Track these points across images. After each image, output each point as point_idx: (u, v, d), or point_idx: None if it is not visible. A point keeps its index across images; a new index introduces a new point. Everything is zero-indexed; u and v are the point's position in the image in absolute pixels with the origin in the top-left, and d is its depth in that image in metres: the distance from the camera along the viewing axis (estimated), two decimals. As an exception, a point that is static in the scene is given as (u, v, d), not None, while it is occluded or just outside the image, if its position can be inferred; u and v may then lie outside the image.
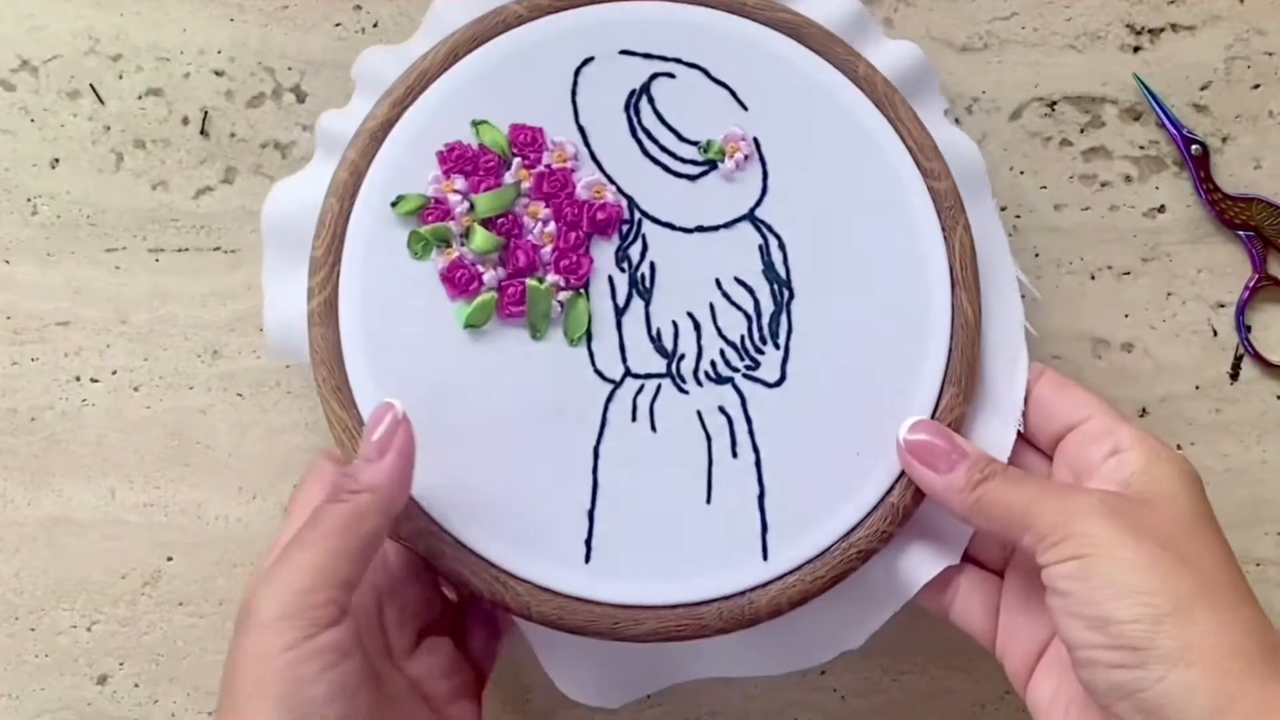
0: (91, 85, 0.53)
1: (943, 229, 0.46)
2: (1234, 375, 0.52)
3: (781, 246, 0.47)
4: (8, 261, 0.53)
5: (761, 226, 0.47)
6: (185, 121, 0.53)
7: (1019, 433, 0.46)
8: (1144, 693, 0.38)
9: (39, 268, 0.53)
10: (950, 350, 0.46)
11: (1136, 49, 0.52)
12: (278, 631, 0.37)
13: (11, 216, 0.53)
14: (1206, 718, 0.37)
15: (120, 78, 0.52)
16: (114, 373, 0.52)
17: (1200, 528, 0.41)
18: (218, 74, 0.52)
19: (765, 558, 0.45)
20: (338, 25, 0.52)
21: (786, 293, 0.46)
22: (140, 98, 0.52)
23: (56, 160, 0.53)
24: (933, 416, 0.46)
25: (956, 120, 0.52)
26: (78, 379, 0.52)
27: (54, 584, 0.53)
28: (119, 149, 0.53)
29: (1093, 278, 0.52)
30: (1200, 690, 0.37)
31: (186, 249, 0.53)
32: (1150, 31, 0.52)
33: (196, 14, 0.52)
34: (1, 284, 0.53)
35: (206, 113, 0.53)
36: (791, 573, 0.45)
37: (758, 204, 0.47)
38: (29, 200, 0.53)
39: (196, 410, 0.52)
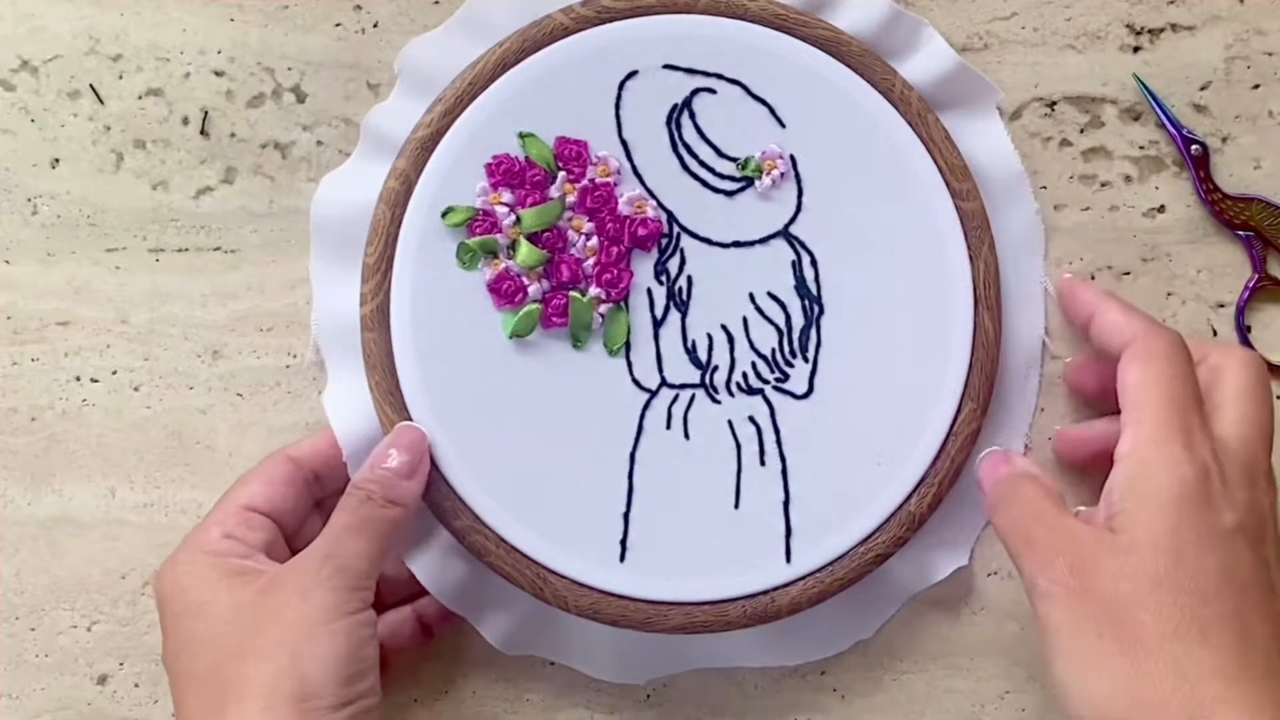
0: (91, 85, 0.53)
1: (969, 248, 0.48)
2: (1234, 375, 0.52)
3: (814, 263, 0.48)
4: (8, 261, 0.53)
5: (795, 243, 0.48)
6: (185, 121, 0.53)
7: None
8: None
9: (39, 268, 0.53)
10: (970, 367, 0.48)
11: (1136, 49, 0.52)
12: (340, 600, 0.43)
13: (11, 216, 0.53)
14: None
15: (120, 78, 0.52)
16: (114, 373, 0.52)
17: (1163, 573, 0.40)
18: (218, 74, 0.52)
19: (788, 560, 0.48)
20: (338, 25, 0.52)
21: (817, 308, 0.48)
22: (140, 98, 0.52)
23: (56, 160, 0.53)
24: (950, 430, 0.48)
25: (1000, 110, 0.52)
26: (78, 379, 0.52)
27: (54, 584, 0.53)
28: (119, 149, 0.53)
29: (1093, 278, 0.52)
30: None
31: (186, 249, 0.53)
32: (1150, 31, 0.52)
33: (196, 14, 0.52)
34: (1, 284, 0.53)
35: (206, 113, 0.53)
36: (812, 574, 0.48)
37: (792, 220, 0.48)
38: (29, 200, 0.53)
39: (196, 410, 0.52)
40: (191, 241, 0.53)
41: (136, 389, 0.52)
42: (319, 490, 0.49)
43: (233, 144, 0.53)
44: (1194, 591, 0.40)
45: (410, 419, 0.47)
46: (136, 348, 0.52)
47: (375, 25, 0.52)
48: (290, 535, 0.48)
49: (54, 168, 0.53)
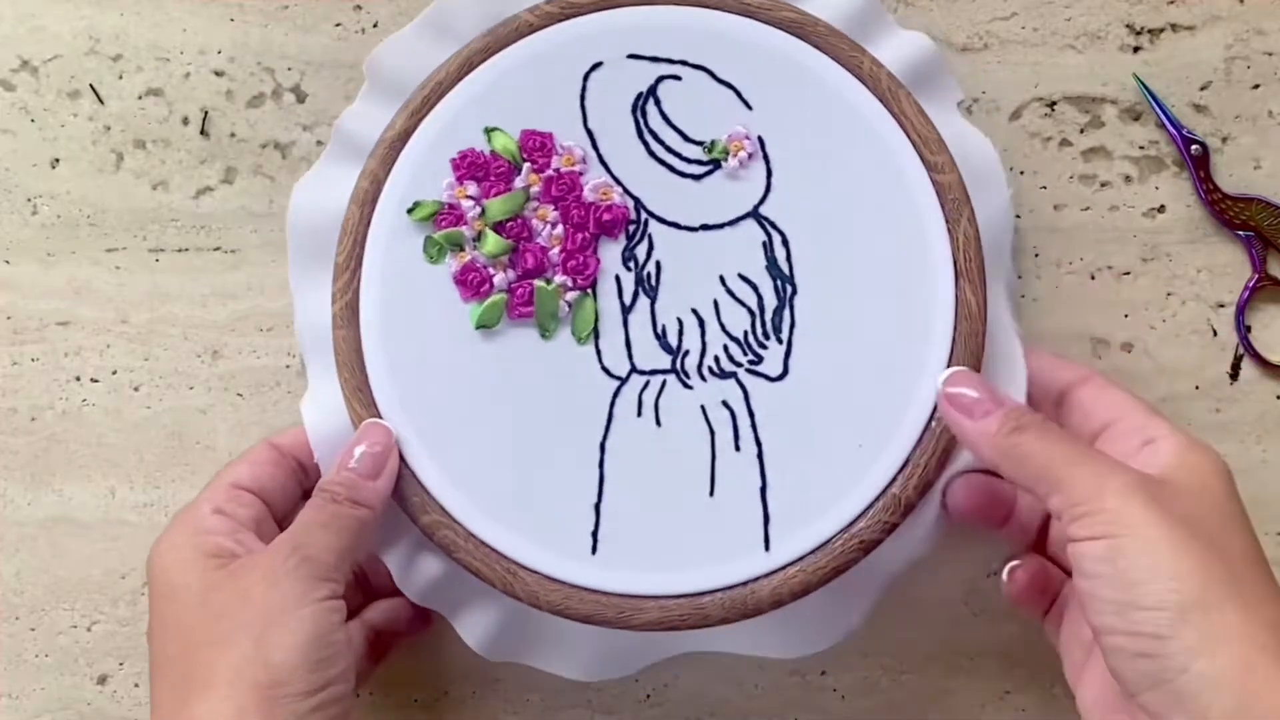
0: (91, 85, 0.53)
1: (946, 221, 0.47)
2: (1234, 375, 0.52)
3: (785, 243, 0.48)
4: (8, 261, 0.53)
5: (765, 223, 0.48)
6: (185, 121, 0.53)
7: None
8: (1169, 684, 0.37)
9: (39, 268, 0.53)
10: (954, 341, 0.46)
11: (1136, 49, 0.52)
12: (307, 588, 0.42)
13: (11, 216, 0.53)
14: (1231, 712, 0.36)
15: (120, 78, 0.52)
16: (114, 373, 0.52)
17: (1231, 519, 0.41)
18: (218, 74, 0.52)
19: (767, 549, 0.46)
20: (338, 25, 0.52)
21: (789, 288, 0.47)
22: (140, 98, 0.52)
23: (56, 160, 0.53)
24: (935, 409, 0.46)
25: (970, 109, 0.52)
26: (78, 379, 0.52)
27: (54, 584, 0.53)
28: (119, 149, 0.53)
29: (1093, 278, 0.52)
30: (1225, 685, 0.37)
31: (186, 249, 0.53)
32: (1150, 31, 0.52)
33: (196, 14, 0.52)
34: (1, 284, 0.53)
35: (206, 113, 0.53)
36: (793, 564, 0.46)
37: (761, 201, 0.48)
38: (29, 200, 0.53)
39: (196, 410, 0.52)
40: (191, 241, 0.53)
41: (136, 389, 0.52)
42: (305, 480, 0.49)
43: (233, 144, 0.53)
44: (1254, 539, 0.41)
45: (379, 414, 0.47)
46: (136, 348, 0.52)
47: (375, 25, 0.52)
48: (280, 519, 0.47)
49: (54, 168, 0.53)
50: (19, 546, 0.53)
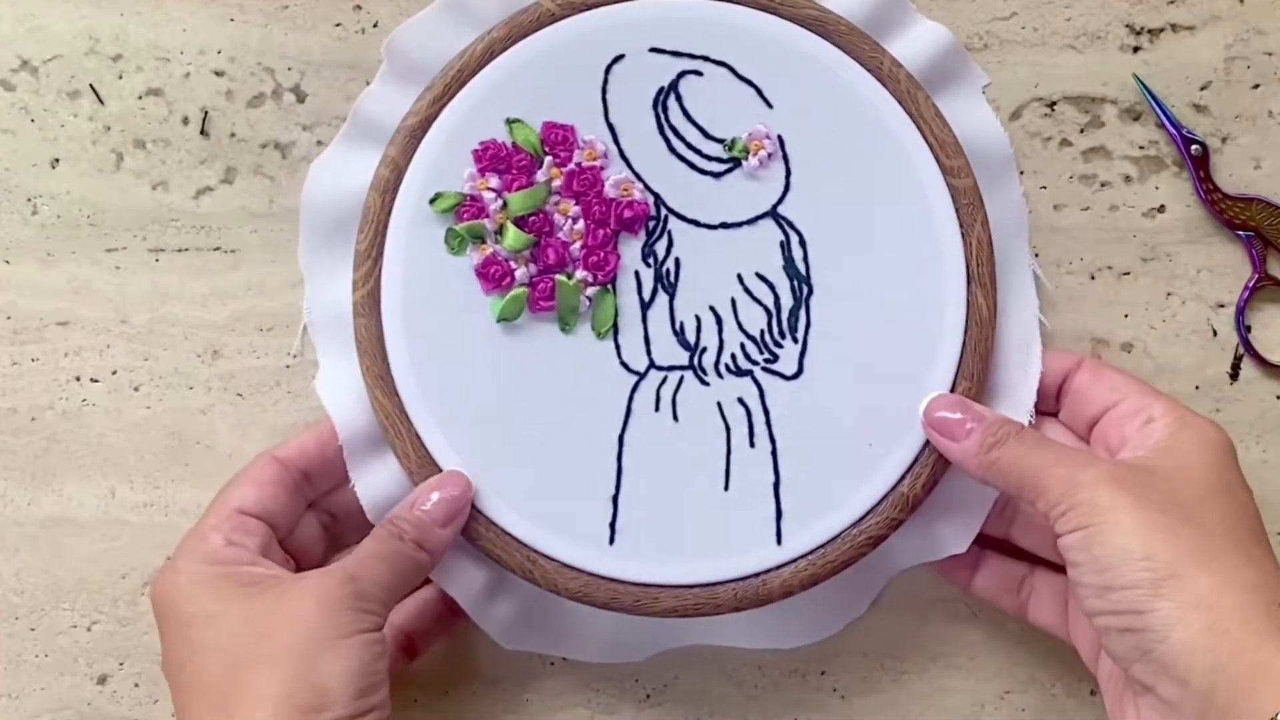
0: (91, 85, 0.53)
1: (961, 226, 0.48)
2: (1234, 375, 0.52)
3: (802, 243, 0.48)
4: (8, 261, 0.53)
5: (783, 223, 0.48)
6: (185, 121, 0.53)
7: (1060, 422, 0.49)
8: (1151, 653, 0.40)
9: (39, 268, 0.53)
10: (964, 346, 0.48)
11: (1136, 49, 0.52)
12: (356, 618, 0.43)
13: (11, 216, 0.53)
14: (1208, 674, 0.38)
15: (120, 78, 0.52)
16: (114, 373, 0.52)
17: (1216, 490, 0.42)
18: (218, 74, 0.52)
19: (779, 542, 0.48)
20: (338, 25, 0.52)
21: (806, 288, 0.48)
22: (140, 98, 0.52)
23: (56, 160, 0.53)
24: None
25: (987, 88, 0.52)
26: (78, 379, 0.52)
27: (54, 584, 0.53)
28: (119, 149, 0.53)
29: (1093, 278, 0.52)
30: (1199, 649, 0.39)
31: (186, 249, 0.53)
32: (1150, 31, 0.52)
33: (196, 14, 0.52)
34: (1, 284, 0.53)
35: (206, 113, 0.53)
36: (803, 557, 0.48)
37: (780, 201, 0.48)
38: (29, 200, 0.53)
39: (196, 410, 0.52)
40: (191, 241, 0.53)
41: (136, 389, 0.53)
42: (310, 491, 0.49)
43: (233, 144, 0.53)
44: (1243, 506, 0.43)
45: (402, 404, 0.47)
46: (136, 348, 0.52)
47: (375, 25, 0.52)
48: (284, 537, 0.47)
49: (54, 168, 0.53)
50: (19, 546, 0.53)
